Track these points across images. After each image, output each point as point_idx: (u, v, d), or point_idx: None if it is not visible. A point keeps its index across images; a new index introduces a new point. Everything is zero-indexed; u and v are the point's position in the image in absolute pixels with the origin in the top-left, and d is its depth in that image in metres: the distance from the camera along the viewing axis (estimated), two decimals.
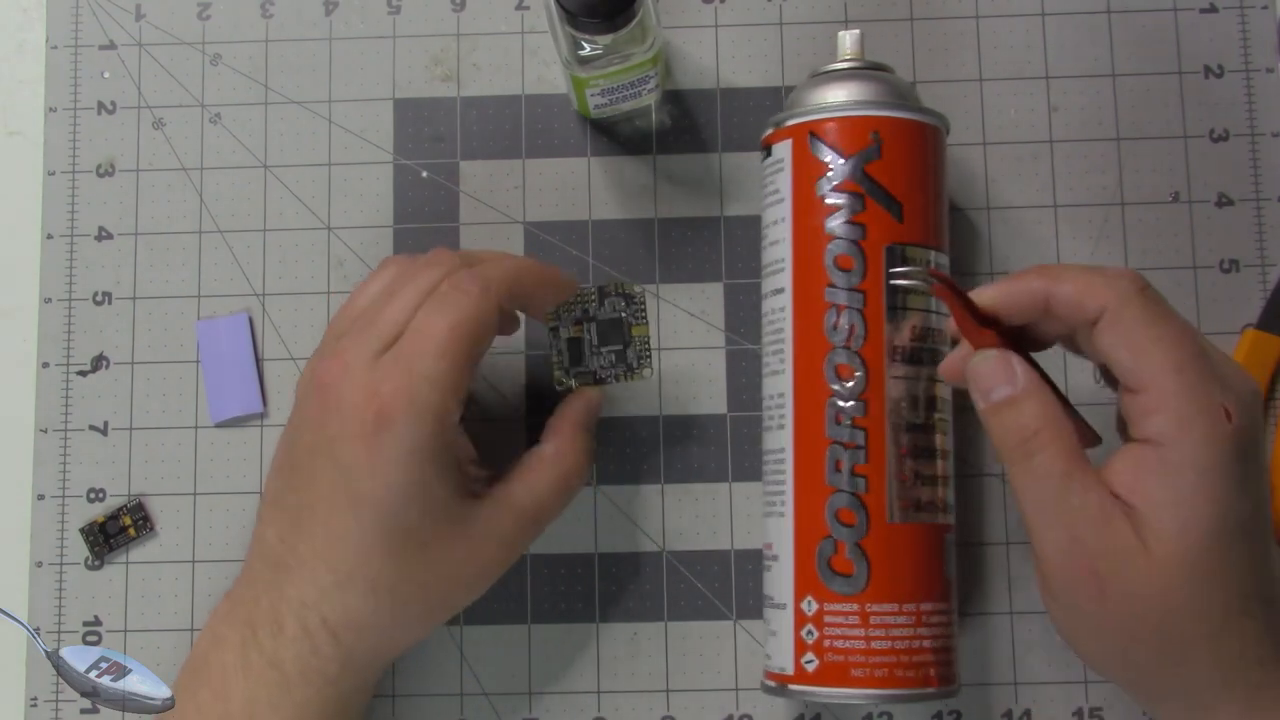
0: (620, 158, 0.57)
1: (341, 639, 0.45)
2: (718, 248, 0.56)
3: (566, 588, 0.54)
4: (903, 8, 0.57)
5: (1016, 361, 0.43)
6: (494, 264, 0.47)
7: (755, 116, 0.57)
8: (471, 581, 0.47)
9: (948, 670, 0.47)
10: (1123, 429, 0.43)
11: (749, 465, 0.55)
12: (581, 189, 0.57)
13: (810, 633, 0.46)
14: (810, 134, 0.48)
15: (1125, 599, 0.40)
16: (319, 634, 0.44)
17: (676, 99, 0.57)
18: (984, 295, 0.43)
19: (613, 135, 0.57)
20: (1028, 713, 0.53)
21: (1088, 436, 0.44)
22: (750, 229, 0.56)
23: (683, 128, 0.57)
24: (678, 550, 0.54)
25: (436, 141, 0.57)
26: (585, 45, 0.49)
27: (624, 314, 0.50)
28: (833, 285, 0.47)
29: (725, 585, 0.54)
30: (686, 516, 0.55)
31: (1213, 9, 0.57)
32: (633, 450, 0.55)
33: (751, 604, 0.54)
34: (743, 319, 0.56)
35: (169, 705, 0.54)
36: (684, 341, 0.56)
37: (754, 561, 0.54)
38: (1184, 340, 0.40)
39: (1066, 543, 0.41)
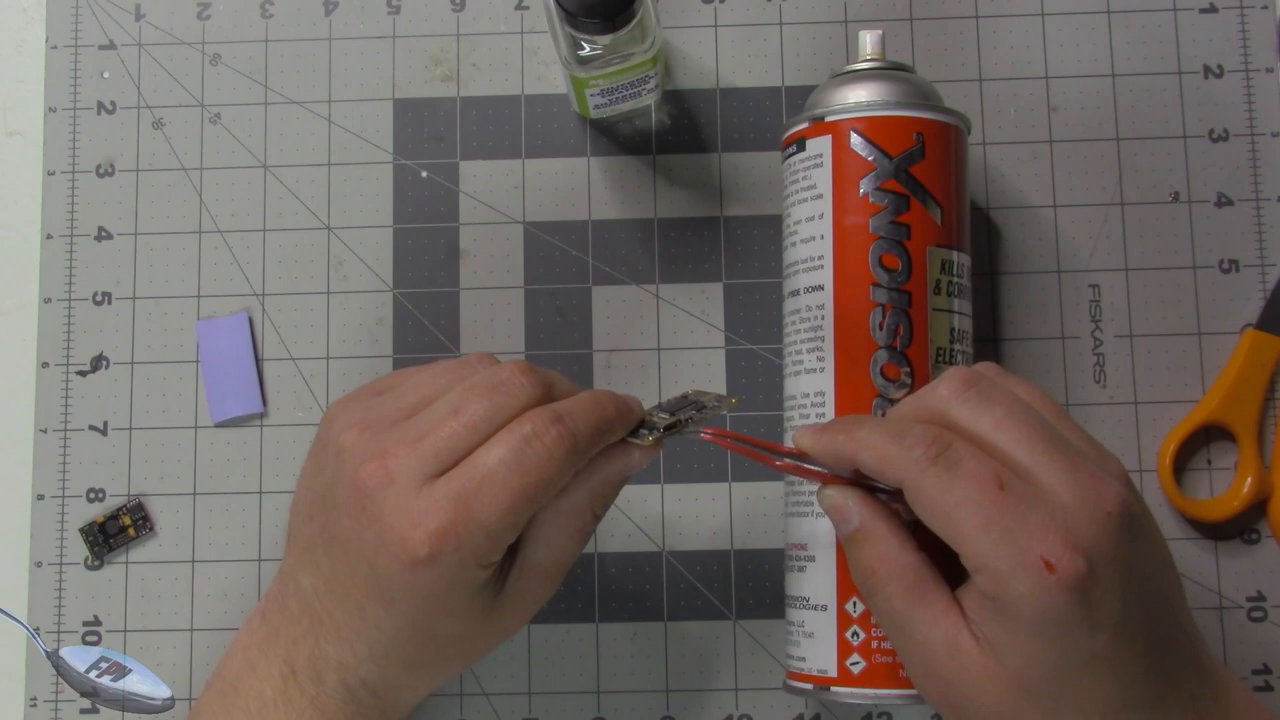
0: (620, 158, 0.57)
1: (381, 695, 0.45)
2: (718, 248, 0.56)
3: (567, 588, 0.54)
4: (902, 8, 0.57)
5: (854, 500, 0.43)
6: (581, 414, 0.42)
7: (755, 116, 0.57)
8: (498, 642, 0.47)
9: None
10: None
11: (749, 465, 0.55)
12: (581, 189, 0.57)
13: (856, 634, 0.46)
14: (853, 130, 0.48)
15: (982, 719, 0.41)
16: (360, 691, 0.45)
17: (676, 99, 0.57)
18: (801, 439, 0.43)
19: (613, 135, 0.57)
20: None
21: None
22: (750, 229, 0.56)
23: (682, 128, 0.57)
24: (678, 550, 0.54)
25: (436, 141, 0.57)
26: (585, 45, 0.49)
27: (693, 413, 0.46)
28: (877, 284, 0.47)
29: (725, 585, 0.54)
30: (686, 516, 0.55)
31: (1213, 9, 0.57)
32: None
33: (751, 604, 0.54)
34: (743, 319, 0.56)
35: (169, 706, 0.54)
36: (684, 341, 0.56)
37: (754, 561, 0.54)
38: (984, 498, 0.39)
39: (921, 670, 0.42)
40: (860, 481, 0.43)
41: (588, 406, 0.43)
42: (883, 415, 0.46)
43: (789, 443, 0.49)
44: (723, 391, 0.55)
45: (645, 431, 0.44)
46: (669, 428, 0.44)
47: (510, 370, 0.43)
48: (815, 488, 0.47)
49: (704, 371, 0.55)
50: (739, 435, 0.44)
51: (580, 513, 0.44)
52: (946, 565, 0.42)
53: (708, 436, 0.44)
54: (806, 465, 0.44)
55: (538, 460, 0.41)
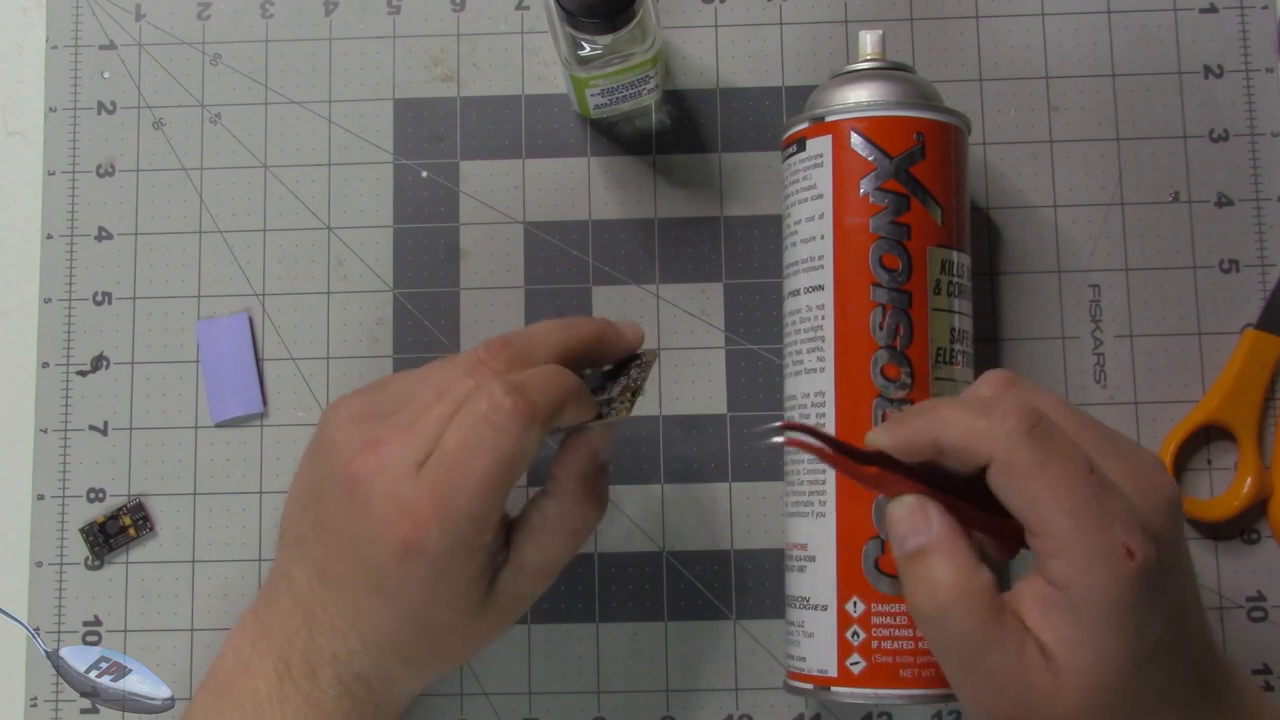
0: (620, 158, 0.57)
1: (375, 688, 0.45)
2: (718, 248, 0.56)
3: (566, 588, 0.54)
4: (902, 8, 0.57)
5: (933, 509, 0.40)
6: (538, 384, 0.43)
7: (755, 116, 0.57)
8: (493, 637, 0.47)
9: None
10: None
11: (749, 465, 0.55)
12: (581, 189, 0.57)
13: (856, 634, 0.46)
14: (853, 130, 0.48)
15: None
16: (354, 685, 0.45)
17: (676, 99, 0.57)
18: (876, 438, 0.41)
19: (613, 135, 0.57)
20: None
21: (1009, 547, 0.42)
22: (750, 229, 0.56)
23: (682, 128, 0.57)
24: (678, 550, 0.54)
25: (436, 141, 0.57)
26: (585, 45, 0.49)
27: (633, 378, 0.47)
28: (877, 284, 0.47)
29: (725, 585, 0.54)
30: (686, 516, 0.55)
31: (1213, 9, 0.57)
32: (632, 450, 0.55)
33: (751, 604, 0.54)
34: (743, 319, 0.56)
35: (169, 706, 0.54)
36: (684, 341, 0.56)
37: (754, 561, 0.54)
38: (1078, 480, 0.38)
39: (988, 694, 0.40)
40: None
41: (545, 376, 0.43)
42: (882, 416, 0.47)
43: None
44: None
45: (610, 410, 0.45)
46: (623, 392, 0.45)
47: (490, 346, 0.43)
48: (816, 487, 0.47)
49: (704, 371, 0.55)
50: (818, 432, 0.40)
51: (568, 515, 0.44)
52: None
53: (786, 439, 0.40)
54: (890, 473, 0.41)
55: (495, 436, 0.41)
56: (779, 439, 0.40)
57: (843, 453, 0.40)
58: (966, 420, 0.39)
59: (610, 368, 0.48)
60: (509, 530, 0.45)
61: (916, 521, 0.40)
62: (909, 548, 0.40)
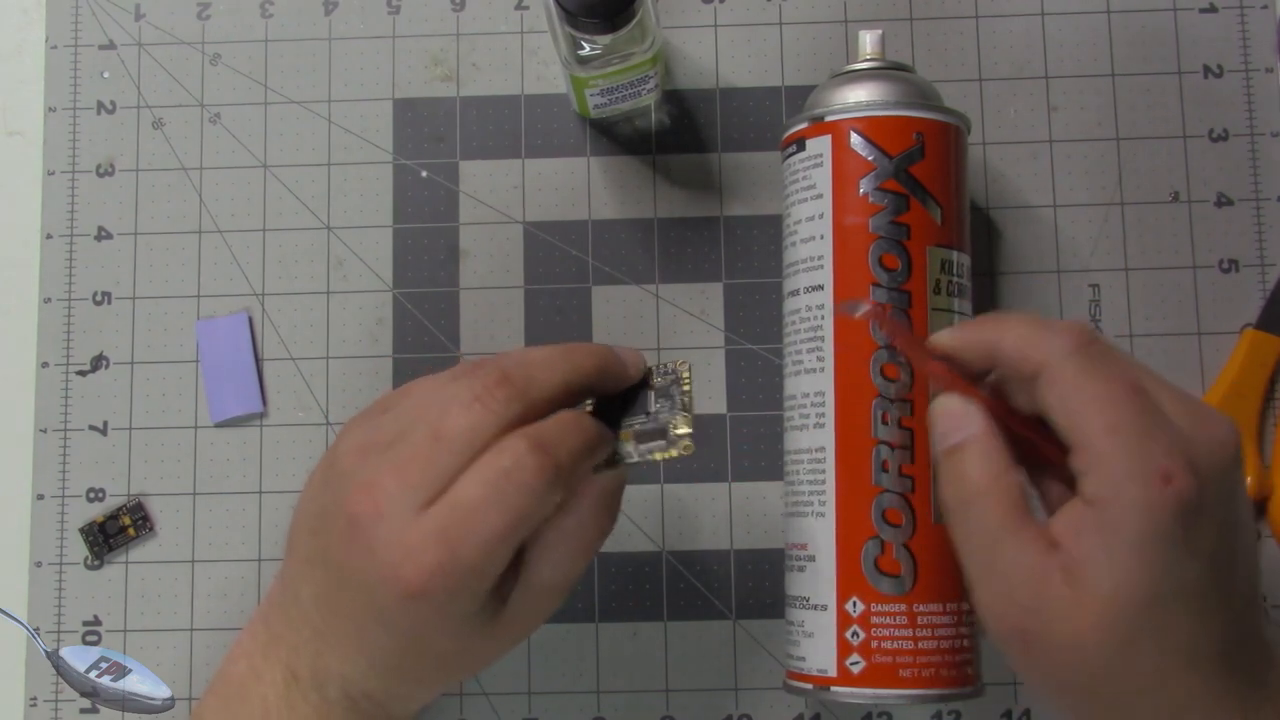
0: (620, 158, 0.57)
1: (384, 704, 0.45)
2: (718, 248, 0.56)
3: None
4: (902, 8, 0.57)
5: (975, 409, 0.42)
6: (563, 440, 0.41)
7: (755, 116, 0.57)
8: (504, 653, 0.46)
9: (979, 669, 0.48)
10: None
11: (749, 465, 0.55)
12: (581, 189, 0.57)
13: (856, 634, 0.46)
14: (853, 130, 0.48)
15: (1052, 654, 0.39)
16: (362, 701, 0.44)
17: (676, 99, 0.57)
18: (940, 340, 0.43)
19: (612, 135, 0.57)
20: (1027, 713, 0.53)
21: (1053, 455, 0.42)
22: (750, 229, 0.56)
23: (682, 128, 0.57)
24: (678, 550, 0.54)
25: (436, 141, 0.57)
26: (585, 45, 0.49)
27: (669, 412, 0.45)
28: (877, 284, 0.47)
29: (725, 585, 0.54)
30: (686, 516, 0.55)
31: (1213, 9, 0.57)
32: None
33: (751, 604, 0.54)
34: (743, 319, 0.56)
35: (169, 706, 0.54)
36: (684, 341, 0.56)
37: (754, 561, 0.54)
38: (1123, 398, 0.38)
39: (999, 598, 0.40)
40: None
41: (570, 431, 0.42)
42: (883, 415, 0.47)
43: (791, 442, 0.50)
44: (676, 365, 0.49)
45: (630, 450, 0.44)
46: (643, 438, 0.44)
47: (487, 381, 0.42)
48: (816, 487, 0.47)
49: (704, 371, 0.55)
50: (904, 328, 0.45)
51: (585, 529, 0.43)
52: None
53: (865, 314, 0.44)
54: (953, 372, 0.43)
55: (518, 495, 0.40)
56: (864, 312, 0.44)
57: (917, 346, 0.44)
58: (1025, 329, 0.41)
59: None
60: (519, 551, 0.44)
61: (957, 418, 0.42)
62: (947, 443, 0.42)
